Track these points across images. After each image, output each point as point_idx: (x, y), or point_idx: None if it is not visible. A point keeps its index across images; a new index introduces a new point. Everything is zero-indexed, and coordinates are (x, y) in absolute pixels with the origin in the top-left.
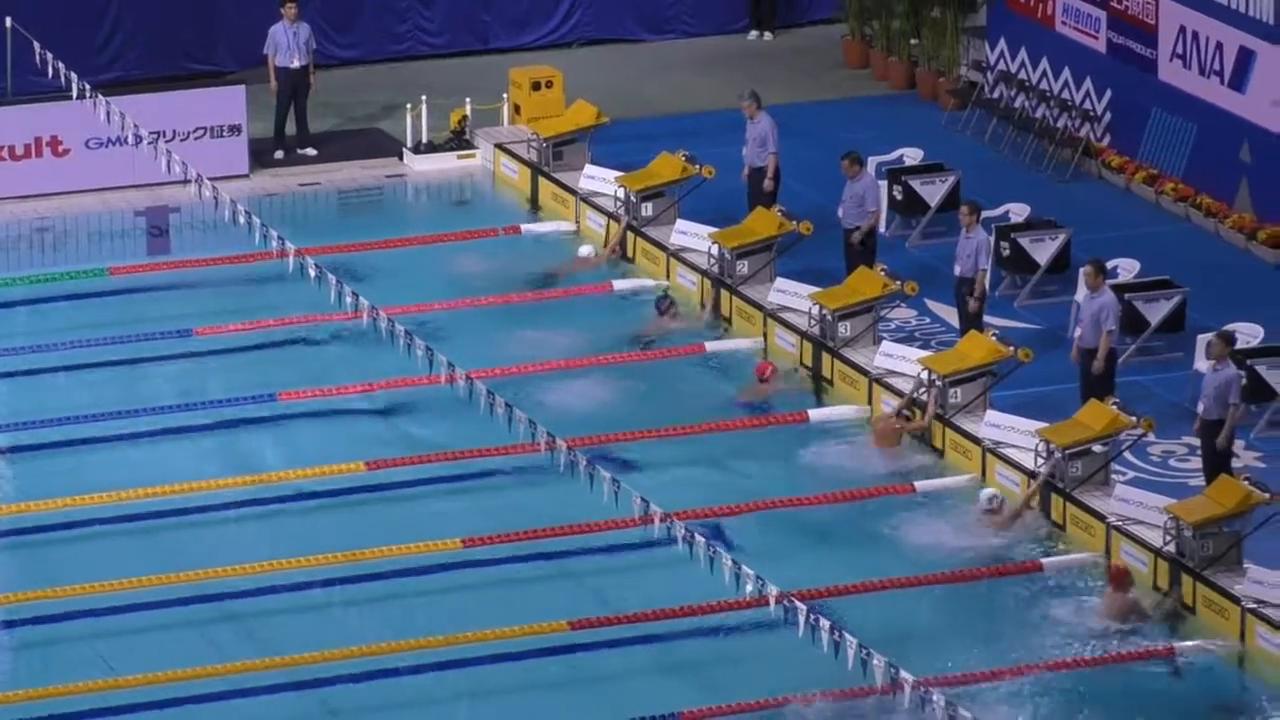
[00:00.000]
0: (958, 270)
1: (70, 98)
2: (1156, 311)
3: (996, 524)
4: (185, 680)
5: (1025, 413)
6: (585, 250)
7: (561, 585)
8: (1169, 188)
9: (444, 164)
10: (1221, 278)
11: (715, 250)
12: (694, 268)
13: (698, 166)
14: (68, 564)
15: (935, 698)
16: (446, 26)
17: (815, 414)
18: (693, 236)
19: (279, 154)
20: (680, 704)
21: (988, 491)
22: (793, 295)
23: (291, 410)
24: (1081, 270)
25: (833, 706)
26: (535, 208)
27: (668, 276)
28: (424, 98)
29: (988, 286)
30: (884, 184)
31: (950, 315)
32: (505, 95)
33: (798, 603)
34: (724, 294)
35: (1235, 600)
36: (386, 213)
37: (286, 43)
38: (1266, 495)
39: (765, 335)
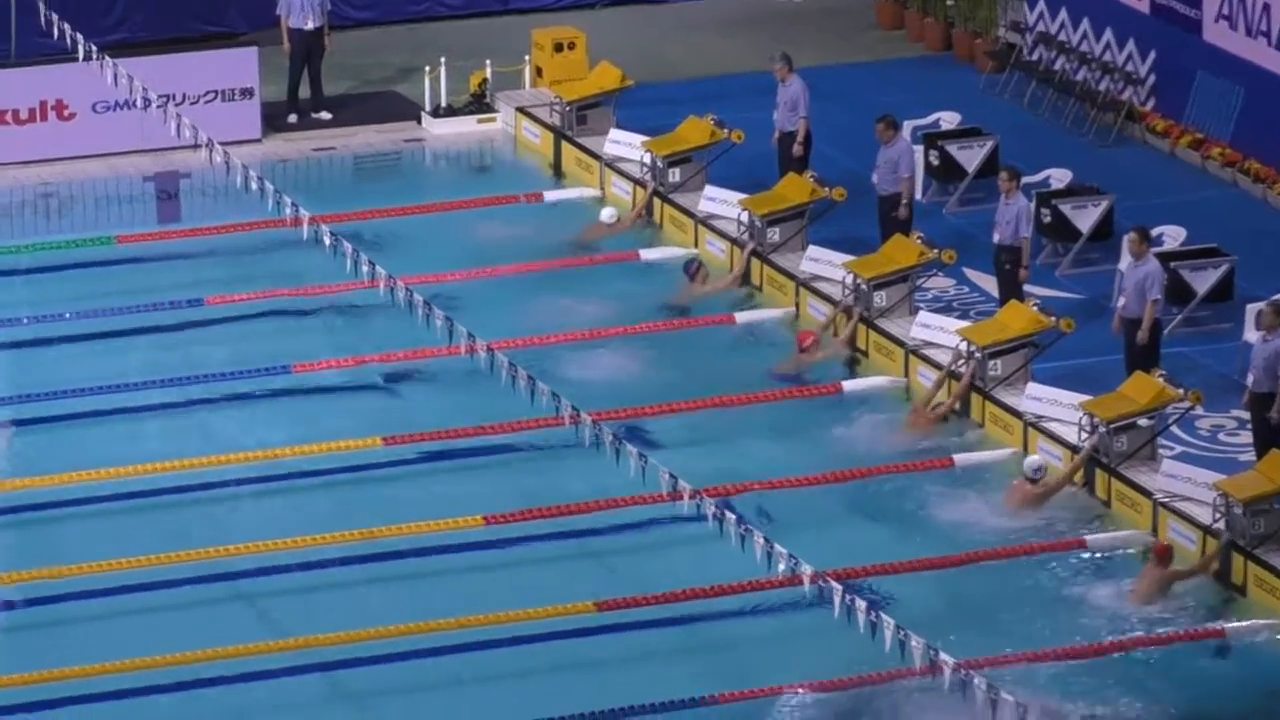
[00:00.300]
0: (996, 238)
1: (76, 60)
2: (1203, 280)
3: (1031, 495)
4: (196, 663)
5: (1068, 385)
6: (608, 214)
7: (587, 564)
8: (1216, 152)
9: (463, 128)
10: (1270, 245)
11: (745, 217)
12: (724, 236)
13: (726, 131)
14: (73, 542)
15: (976, 680)
16: None
17: (850, 385)
18: (722, 203)
19: (293, 118)
20: (711, 688)
21: (1034, 460)
22: (826, 264)
23: (306, 383)
24: (1125, 238)
25: (869, 690)
26: (558, 173)
27: (696, 244)
28: (443, 60)
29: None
30: (920, 149)
31: (989, 284)
32: (527, 57)
33: (833, 582)
34: (755, 263)
35: None
36: (404, 179)
37: (300, 3)
38: None
39: (797, 305)
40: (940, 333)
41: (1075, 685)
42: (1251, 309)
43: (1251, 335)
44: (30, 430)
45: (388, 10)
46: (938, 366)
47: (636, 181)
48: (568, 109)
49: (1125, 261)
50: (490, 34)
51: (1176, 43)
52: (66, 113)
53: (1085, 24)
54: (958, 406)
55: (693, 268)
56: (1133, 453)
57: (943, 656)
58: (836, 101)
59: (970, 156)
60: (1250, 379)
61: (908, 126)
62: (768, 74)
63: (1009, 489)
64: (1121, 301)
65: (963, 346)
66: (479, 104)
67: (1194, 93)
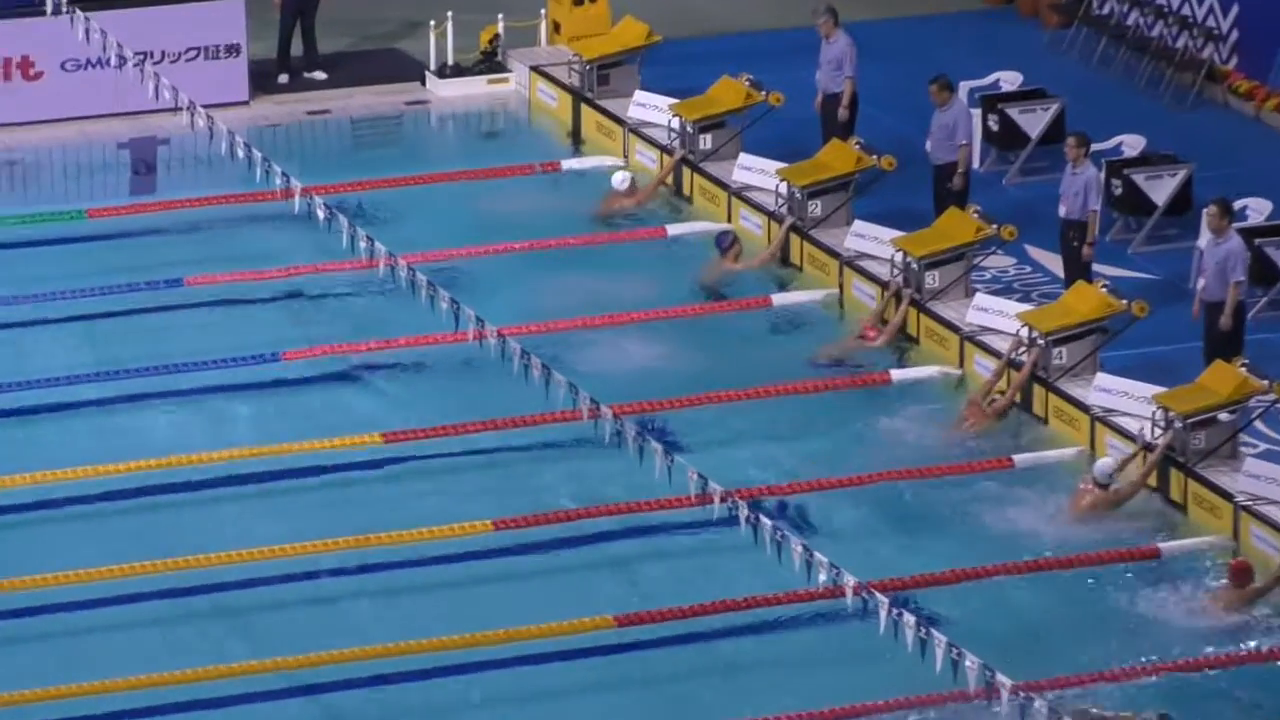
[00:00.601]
0: (1063, 211)
1: (44, 13)
2: None
3: (1100, 502)
4: (173, 685)
5: (1140, 376)
6: (619, 179)
7: (606, 575)
8: None
9: (472, 90)
10: None
11: (784, 188)
12: (761, 209)
13: (763, 93)
14: (35, 549)
15: (1038, 704)
16: None
17: (899, 375)
18: (758, 173)
19: (283, 78)
20: (742, 710)
21: (1106, 463)
22: (873, 240)
23: (297, 372)
24: (1205, 212)
25: (919, 714)
26: (577, 140)
27: (729, 218)
28: (450, 14)
29: (1098, 230)
30: (977, 113)
31: (1054, 263)
32: (543, 11)
33: (878, 595)
34: (795, 239)
35: None
36: (406, 145)
37: None
38: None
39: (841, 286)
40: (999, 317)
41: (1146, 708)
42: None
43: None
44: None
45: None
46: (996, 355)
47: (664, 149)
48: (588, 68)
49: (1205, 238)
50: None
51: None
52: (32, 72)
53: None
54: (1018, 399)
55: (726, 241)
56: (1212, 450)
57: (1000, 678)
58: (886, 60)
59: (1033, 121)
60: None
61: (964, 88)
62: (810, 29)
63: (1074, 493)
64: (1201, 283)
65: (1024, 332)
66: (489, 63)
67: None
